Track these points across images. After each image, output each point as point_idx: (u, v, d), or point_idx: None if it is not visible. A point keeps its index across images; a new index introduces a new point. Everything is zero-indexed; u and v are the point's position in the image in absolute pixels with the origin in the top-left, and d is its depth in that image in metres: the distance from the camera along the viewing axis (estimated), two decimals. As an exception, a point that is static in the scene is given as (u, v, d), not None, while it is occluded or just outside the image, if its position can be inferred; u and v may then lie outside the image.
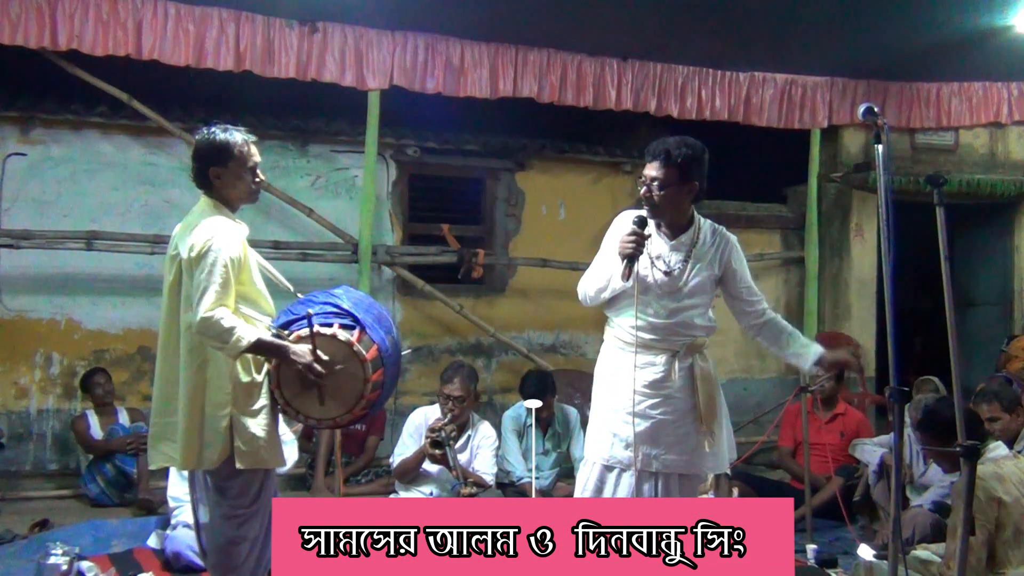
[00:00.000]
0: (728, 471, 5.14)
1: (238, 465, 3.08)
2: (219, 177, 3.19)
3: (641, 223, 3.16)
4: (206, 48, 5.58)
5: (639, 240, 3.11)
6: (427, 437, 4.81)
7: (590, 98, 6.48)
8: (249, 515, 3.16)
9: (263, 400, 3.13)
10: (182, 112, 6.50)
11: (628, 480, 3.23)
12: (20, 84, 6.25)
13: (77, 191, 6.32)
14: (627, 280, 3.15)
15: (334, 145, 6.96)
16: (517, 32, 6.12)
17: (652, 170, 3.20)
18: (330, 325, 3.10)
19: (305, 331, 3.04)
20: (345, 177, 6.97)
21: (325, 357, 3.03)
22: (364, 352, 3.06)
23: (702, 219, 3.36)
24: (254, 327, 3.04)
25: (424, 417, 5.12)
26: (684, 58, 6.64)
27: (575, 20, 5.88)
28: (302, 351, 3.02)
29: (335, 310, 3.17)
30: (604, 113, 6.69)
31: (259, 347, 3.00)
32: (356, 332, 3.10)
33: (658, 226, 3.30)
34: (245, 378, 3.09)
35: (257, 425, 3.10)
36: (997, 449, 3.94)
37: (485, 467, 5.06)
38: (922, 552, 4.07)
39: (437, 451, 4.75)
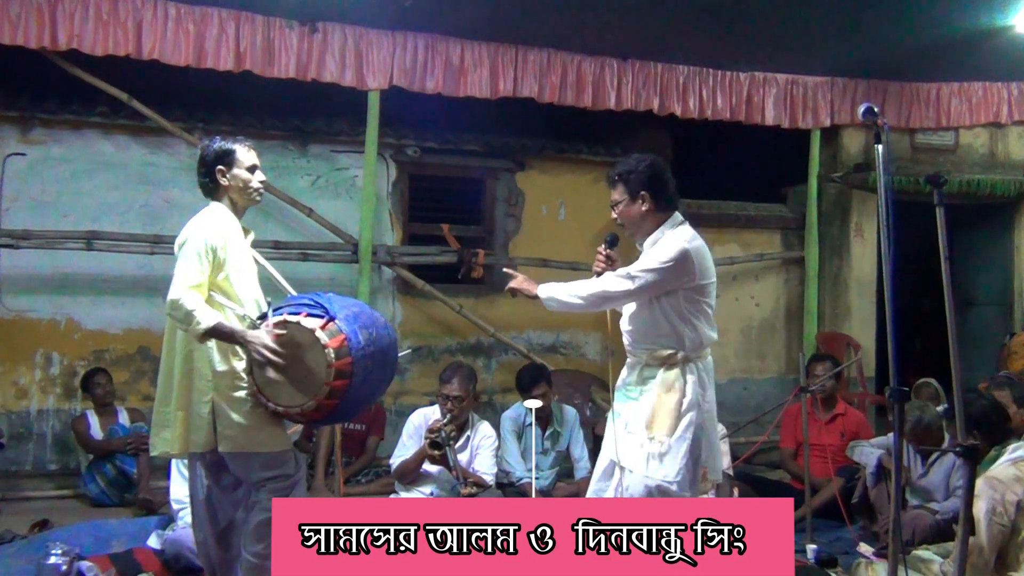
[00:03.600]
0: (730, 471, 5.16)
1: (220, 448, 3.24)
2: (225, 176, 3.37)
3: (611, 242, 3.47)
4: (206, 48, 5.59)
5: (605, 259, 3.43)
6: (426, 438, 4.80)
7: (590, 98, 6.49)
8: (292, 485, 3.31)
9: (245, 387, 3.26)
10: (182, 112, 6.50)
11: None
12: (20, 84, 6.24)
13: (77, 191, 6.31)
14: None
15: (334, 145, 6.95)
16: (517, 32, 6.12)
17: (612, 196, 3.46)
18: (298, 314, 3.23)
19: (276, 319, 3.21)
20: (345, 177, 6.97)
21: (277, 347, 3.13)
22: (327, 339, 3.16)
23: (670, 231, 3.38)
24: (216, 312, 3.17)
25: (423, 418, 5.11)
26: (684, 58, 6.65)
27: (575, 20, 5.88)
28: (256, 336, 3.14)
29: (308, 302, 3.31)
30: (604, 113, 6.69)
31: (217, 332, 3.14)
32: (323, 321, 3.21)
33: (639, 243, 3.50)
34: (221, 366, 3.24)
35: (238, 411, 3.24)
36: (1019, 450, 3.83)
37: (485, 467, 5.06)
38: (923, 552, 4.06)
39: (436, 452, 4.74)
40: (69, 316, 6.31)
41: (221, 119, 6.55)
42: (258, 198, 3.48)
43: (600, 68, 6.49)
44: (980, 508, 3.50)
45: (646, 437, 3.26)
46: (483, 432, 5.17)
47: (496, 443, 5.20)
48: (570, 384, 6.91)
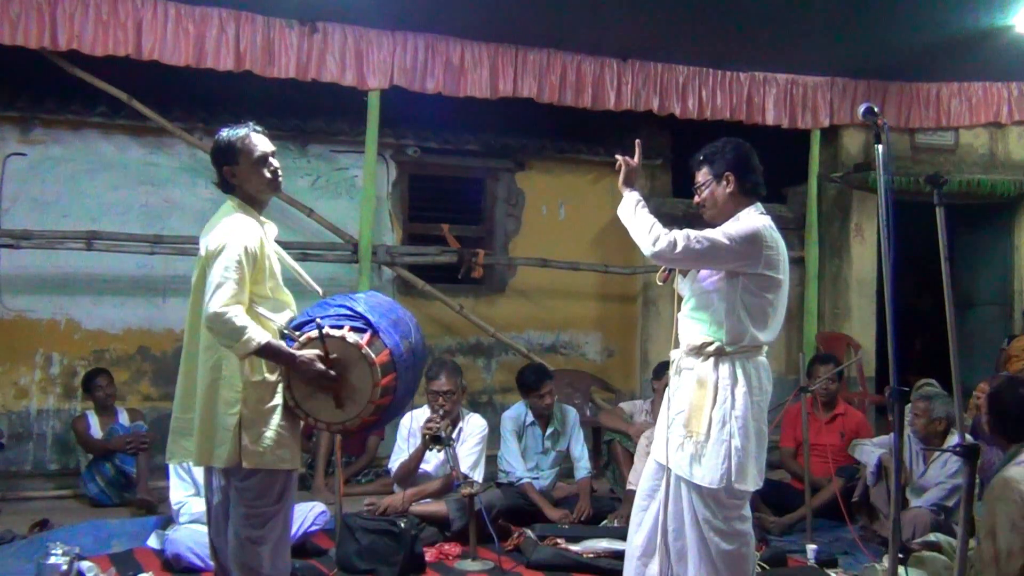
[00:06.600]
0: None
1: (244, 464, 3.05)
2: (234, 176, 3.22)
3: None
4: (206, 48, 5.59)
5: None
6: (424, 432, 4.75)
7: (590, 98, 6.49)
8: (271, 514, 3.11)
9: (276, 400, 3.09)
10: (182, 112, 6.50)
11: None
12: (20, 84, 6.25)
13: (77, 191, 6.31)
14: (661, 281, 3.52)
15: (334, 145, 6.95)
16: (517, 32, 6.12)
17: (696, 179, 3.36)
18: (341, 327, 3.06)
19: (314, 332, 3.01)
20: (345, 177, 6.97)
21: (333, 366, 2.98)
22: (373, 355, 3.01)
23: (750, 214, 3.27)
24: (264, 330, 3.00)
25: (414, 421, 5.06)
26: (685, 58, 6.65)
27: (575, 20, 5.88)
28: (310, 358, 2.98)
29: (348, 313, 3.13)
30: (604, 113, 6.69)
31: (268, 351, 2.97)
32: (367, 335, 3.05)
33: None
34: (256, 377, 3.06)
35: (267, 425, 3.07)
36: None
37: (468, 466, 4.95)
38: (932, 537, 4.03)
39: (436, 445, 4.70)
40: (69, 316, 6.31)
41: (221, 119, 6.51)
42: (274, 188, 3.31)
43: (600, 68, 6.49)
44: (1001, 512, 3.40)
45: (685, 436, 3.18)
46: (474, 423, 5.10)
47: (484, 433, 5.10)
48: (570, 384, 6.91)
